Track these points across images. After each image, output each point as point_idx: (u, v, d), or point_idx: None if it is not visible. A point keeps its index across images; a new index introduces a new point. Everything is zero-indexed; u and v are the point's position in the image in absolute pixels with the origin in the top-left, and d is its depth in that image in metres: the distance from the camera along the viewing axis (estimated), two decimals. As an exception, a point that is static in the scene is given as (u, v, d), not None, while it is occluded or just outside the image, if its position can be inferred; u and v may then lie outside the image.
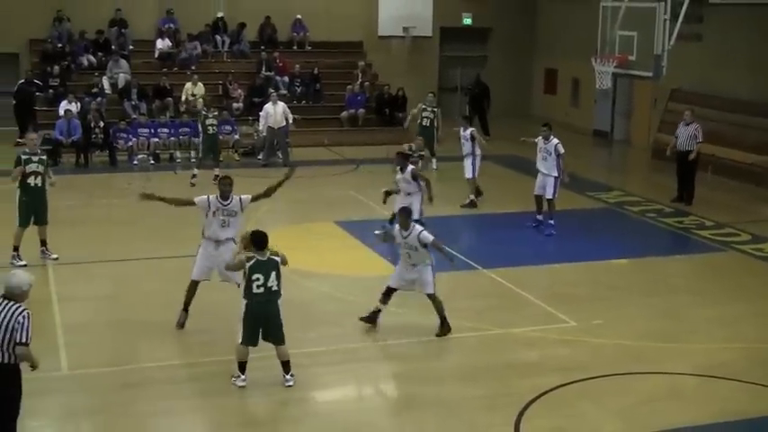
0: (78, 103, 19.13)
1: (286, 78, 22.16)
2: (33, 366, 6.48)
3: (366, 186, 16.73)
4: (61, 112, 18.52)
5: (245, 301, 8.06)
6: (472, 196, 15.38)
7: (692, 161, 15.68)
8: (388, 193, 12.80)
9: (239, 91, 21.19)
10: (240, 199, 9.22)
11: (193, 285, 9.34)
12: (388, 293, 9.71)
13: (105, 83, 20.63)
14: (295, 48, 23.38)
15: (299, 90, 22.08)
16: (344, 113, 21.78)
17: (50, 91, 20.12)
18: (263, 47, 22.77)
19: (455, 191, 15.53)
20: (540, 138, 13.57)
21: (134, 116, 19.60)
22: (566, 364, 8.86)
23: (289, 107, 19.22)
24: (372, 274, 11.66)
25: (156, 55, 22.03)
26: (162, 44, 22.08)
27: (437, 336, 9.52)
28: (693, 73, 19.09)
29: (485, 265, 11.72)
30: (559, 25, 24.45)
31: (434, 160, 17.88)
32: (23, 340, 6.25)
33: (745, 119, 18.22)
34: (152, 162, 18.67)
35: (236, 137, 19.38)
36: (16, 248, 11.36)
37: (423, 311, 9.96)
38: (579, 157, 17.86)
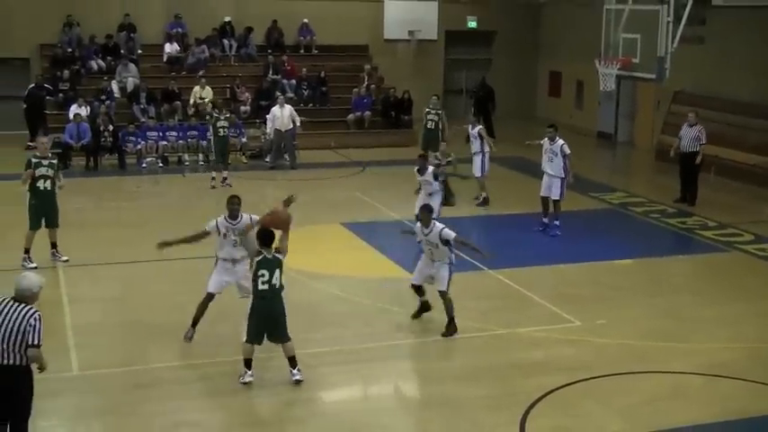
0: (88, 107, 19.33)
1: (293, 82, 22.32)
2: (41, 369, 6.51)
3: (372, 188, 16.87)
4: (71, 115, 18.71)
5: (251, 298, 8.19)
6: (484, 194, 15.49)
7: (696, 162, 15.77)
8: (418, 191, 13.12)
9: (247, 94, 21.33)
10: (251, 218, 8.93)
11: (208, 299, 9.13)
12: (417, 289, 9.85)
13: (114, 87, 20.82)
14: (302, 51, 23.53)
15: (305, 93, 22.22)
16: (351, 116, 21.89)
17: (60, 95, 20.30)
18: (270, 50, 22.91)
19: (463, 192, 15.59)
20: (546, 139, 13.61)
21: (143, 120, 19.76)
22: (570, 364, 8.90)
23: (296, 110, 19.34)
24: (379, 276, 11.80)
25: (165, 59, 22.21)
26: (170, 48, 22.26)
27: (443, 336, 9.58)
28: (696, 75, 19.13)
29: (490, 266, 11.77)
30: (563, 28, 24.52)
31: (440, 162, 18.00)
32: (35, 342, 6.29)
33: (748, 120, 18.28)
34: (160, 165, 18.81)
35: (244, 140, 19.52)
36: (27, 251, 11.47)
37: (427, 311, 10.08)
38: (583, 159, 17.88)
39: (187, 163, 19.06)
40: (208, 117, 17.85)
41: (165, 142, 19.15)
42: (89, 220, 14.29)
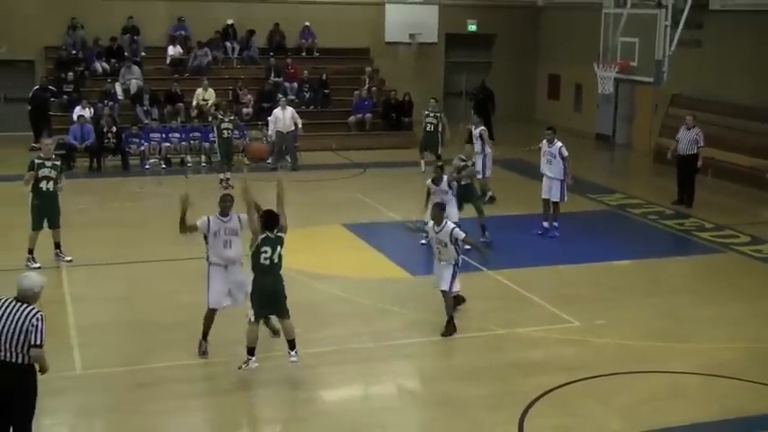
0: (92, 109, 19.42)
1: (295, 84, 22.43)
2: (43, 371, 6.51)
3: (373, 189, 16.94)
4: (75, 117, 18.78)
5: (252, 276, 8.35)
6: (490, 192, 15.58)
7: (693, 164, 15.83)
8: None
9: (249, 96, 21.43)
10: (239, 217, 8.90)
11: (211, 314, 8.97)
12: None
13: (118, 89, 20.91)
14: (303, 54, 23.61)
15: (307, 95, 22.32)
16: (352, 118, 21.98)
17: (65, 97, 20.41)
18: (272, 53, 23.02)
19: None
20: (545, 141, 13.68)
21: (146, 121, 19.86)
22: (569, 364, 8.95)
23: (297, 112, 19.43)
24: (379, 276, 11.87)
25: (168, 61, 22.31)
26: (173, 51, 22.37)
27: (442, 335, 9.63)
28: (694, 78, 19.21)
29: (490, 267, 11.85)
30: (562, 32, 24.62)
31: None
32: (37, 342, 6.32)
33: (745, 123, 18.36)
34: (163, 166, 18.89)
35: (246, 141, 19.62)
36: (31, 251, 11.55)
37: (427, 312, 10.14)
38: (582, 161, 17.96)
39: (189, 164, 19.15)
40: (211, 119, 17.94)
41: (167, 144, 19.25)
42: (92, 220, 14.37)
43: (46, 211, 11.68)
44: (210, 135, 18.49)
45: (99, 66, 21.75)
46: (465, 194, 12.87)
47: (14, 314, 6.35)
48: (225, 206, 9.08)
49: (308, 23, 23.76)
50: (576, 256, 12.75)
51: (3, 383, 6.36)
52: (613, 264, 12.66)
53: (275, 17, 23.52)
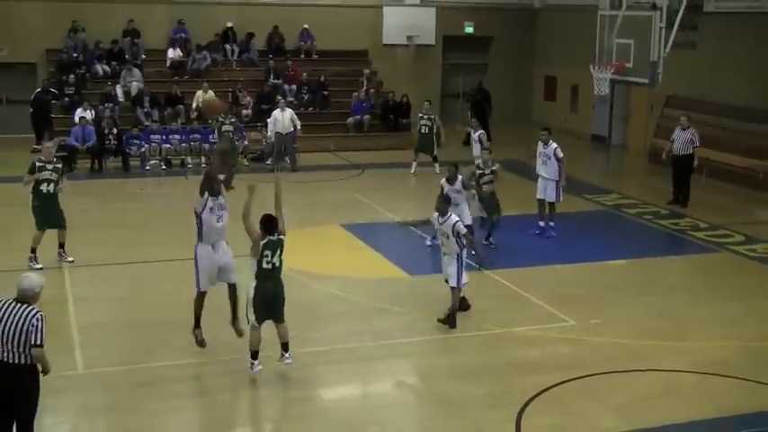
0: (93, 111, 19.49)
1: (294, 86, 22.53)
2: (45, 371, 6.52)
3: (371, 190, 17.02)
4: (76, 119, 18.84)
5: (254, 282, 8.39)
6: None
7: (689, 165, 15.93)
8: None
9: (248, 98, 21.53)
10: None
11: (201, 297, 9.07)
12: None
13: (119, 91, 21.00)
14: (302, 56, 23.70)
15: (306, 97, 22.41)
16: (350, 119, 22.08)
17: (66, 99, 20.48)
18: (271, 55, 23.11)
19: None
20: (540, 142, 13.78)
21: (146, 123, 19.95)
22: (565, 363, 9.00)
23: (297, 114, 19.51)
24: (377, 276, 11.93)
25: (168, 64, 22.40)
26: (173, 53, 22.46)
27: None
28: (688, 80, 19.30)
29: (486, 267, 11.92)
30: (559, 34, 24.70)
31: (437, 165, 18.22)
32: (38, 342, 6.33)
33: (739, 124, 18.46)
34: (164, 168, 18.95)
35: (245, 143, 19.73)
36: (34, 251, 11.59)
37: (425, 311, 10.22)
38: (577, 162, 18.06)
39: (190, 165, 19.19)
40: (212, 121, 18.03)
41: (168, 145, 19.31)
42: (94, 221, 14.40)
43: (47, 212, 11.71)
44: (211, 137, 18.58)
45: (100, 68, 21.84)
46: (488, 207, 13.03)
47: (15, 315, 6.39)
48: (216, 188, 9.11)
49: (306, 26, 23.86)
50: (572, 256, 12.83)
51: (4, 383, 6.41)
52: (609, 263, 12.74)
53: (274, 20, 23.61)
